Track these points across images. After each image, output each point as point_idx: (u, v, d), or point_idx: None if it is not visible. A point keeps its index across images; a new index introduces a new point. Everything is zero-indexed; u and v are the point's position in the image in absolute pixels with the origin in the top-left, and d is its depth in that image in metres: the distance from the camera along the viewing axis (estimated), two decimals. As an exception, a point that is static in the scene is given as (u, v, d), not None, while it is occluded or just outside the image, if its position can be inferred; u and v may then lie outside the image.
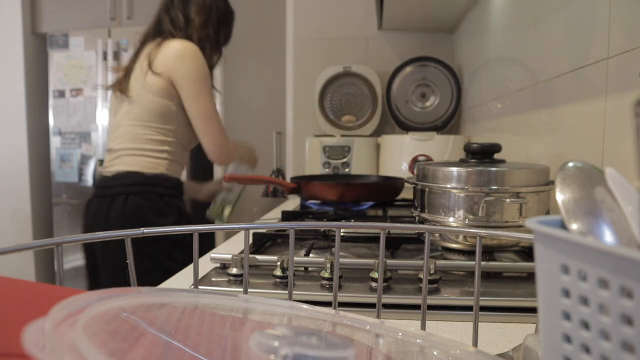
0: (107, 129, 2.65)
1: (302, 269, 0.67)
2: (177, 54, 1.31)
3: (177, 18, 1.37)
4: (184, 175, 1.49)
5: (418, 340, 0.33)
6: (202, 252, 0.61)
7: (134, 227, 1.33)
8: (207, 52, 1.38)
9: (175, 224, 1.28)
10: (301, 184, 1.14)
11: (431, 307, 0.54)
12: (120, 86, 1.36)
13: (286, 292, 0.58)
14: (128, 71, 1.37)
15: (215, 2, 1.42)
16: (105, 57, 2.61)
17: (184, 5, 1.38)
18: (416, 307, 0.54)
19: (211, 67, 1.41)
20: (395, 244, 0.78)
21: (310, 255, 0.76)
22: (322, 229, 0.86)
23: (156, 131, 1.32)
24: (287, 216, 1.06)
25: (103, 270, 1.30)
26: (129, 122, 1.34)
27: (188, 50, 1.32)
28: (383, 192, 1.14)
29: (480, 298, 0.53)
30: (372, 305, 0.48)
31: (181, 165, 1.40)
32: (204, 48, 1.37)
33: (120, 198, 1.27)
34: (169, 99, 1.32)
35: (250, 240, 0.79)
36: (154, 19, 1.41)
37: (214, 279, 0.64)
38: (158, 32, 1.39)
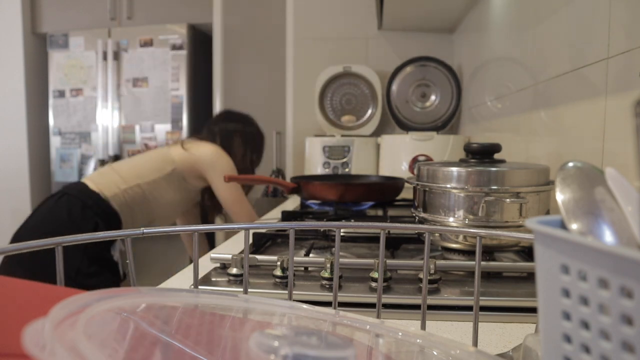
0: (109, 130, 2.65)
1: (302, 269, 0.67)
2: (217, 152, 1.53)
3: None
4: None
5: (418, 340, 0.33)
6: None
7: (51, 221, 1.38)
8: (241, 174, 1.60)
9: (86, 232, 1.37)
10: (301, 184, 1.14)
11: (431, 307, 0.54)
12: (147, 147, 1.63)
13: (286, 292, 0.58)
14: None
15: (251, 132, 1.66)
16: (105, 57, 2.61)
17: (227, 140, 1.61)
18: (416, 307, 0.54)
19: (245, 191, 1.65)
20: (395, 244, 0.78)
21: (310, 255, 0.76)
22: (322, 229, 0.86)
23: (137, 174, 1.47)
24: (287, 216, 1.06)
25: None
26: (136, 157, 1.56)
27: (225, 155, 1.56)
28: (383, 192, 1.14)
29: (480, 298, 0.53)
30: (372, 305, 0.48)
31: (130, 211, 1.46)
32: (240, 171, 1.61)
33: (57, 195, 1.42)
34: (171, 165, 1.50)
35: (250, 240, 0.79)
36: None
37: (214, 279, 0.64)
38: None
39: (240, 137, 1.63)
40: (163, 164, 1.50)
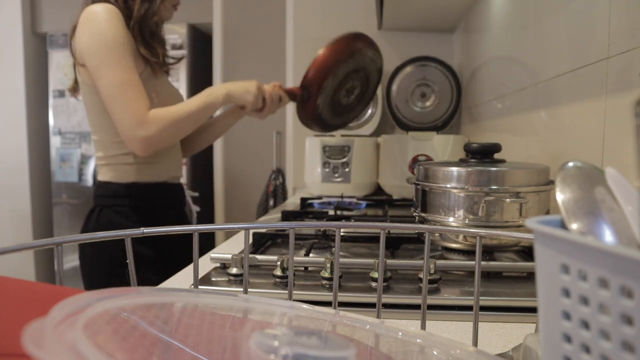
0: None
1: (302, 268, 0.67)
2: (79, 27, 1.04)
3: None
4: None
5: (418, 340, 0.33)
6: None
7: (106, 242, 0.96)
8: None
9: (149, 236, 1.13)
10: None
11: (431, 307, 0.54)
12: (73, 88, 1.16)
13: (286, 292, 0.58)
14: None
15: None
16: (105, 57, 2.61)
17: None
18: (416, 307, 0.54)
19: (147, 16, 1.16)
20: (395, 244, 0.78)
21: (310, 255, 0.76)
22: (322, 229, 0.86)
23: (110, 133, 1.10)
24: (287, 216, 1.06)
25: (82, 275, 1.19)
26: (90, 129, 1.16)
27: (88, 13, 1.03)
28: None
29: (480, 298, 0.53)
30: (372, 305, 0.48)
31: (163, 164, 1.17)
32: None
33: (96, 210, 1.15)
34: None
35: (250, 240, 0.79)
36: None
37: (214, 279, 0.64)
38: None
39: None
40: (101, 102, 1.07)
